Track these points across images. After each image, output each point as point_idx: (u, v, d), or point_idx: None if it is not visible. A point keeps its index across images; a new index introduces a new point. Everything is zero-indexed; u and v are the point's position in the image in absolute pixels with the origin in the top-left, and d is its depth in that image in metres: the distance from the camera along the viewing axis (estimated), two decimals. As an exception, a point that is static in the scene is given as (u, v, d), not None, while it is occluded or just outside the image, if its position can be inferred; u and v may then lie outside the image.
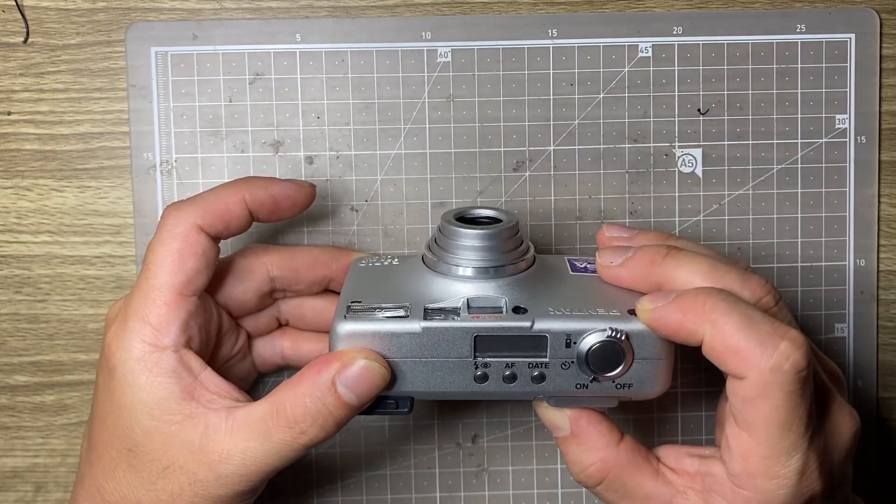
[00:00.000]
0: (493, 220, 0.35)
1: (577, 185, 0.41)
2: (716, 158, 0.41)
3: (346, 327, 0.31)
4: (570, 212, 0.42)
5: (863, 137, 0.42)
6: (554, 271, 0.35)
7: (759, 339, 0.29)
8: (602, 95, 0.41)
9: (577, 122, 0.41)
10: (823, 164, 0.42)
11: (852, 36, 0.41)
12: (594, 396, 0.32)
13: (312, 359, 0.32)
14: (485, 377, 0.32)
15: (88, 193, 0.41)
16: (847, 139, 0.42)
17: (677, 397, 0.42)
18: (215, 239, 0.34)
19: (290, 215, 0.37)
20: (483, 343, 0.31)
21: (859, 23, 0.41)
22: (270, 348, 0.39)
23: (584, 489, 0.42)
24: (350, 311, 0.32)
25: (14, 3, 0.40)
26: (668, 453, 0.34)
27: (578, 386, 0.32)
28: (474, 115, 0.41)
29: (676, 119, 0.41)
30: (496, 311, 0.32)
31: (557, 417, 0.33)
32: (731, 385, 0.30)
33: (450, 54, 0.41)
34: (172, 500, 0.32)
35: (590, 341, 0.31)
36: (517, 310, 0.32)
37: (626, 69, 0.41)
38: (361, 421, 0.42)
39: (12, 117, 0.41)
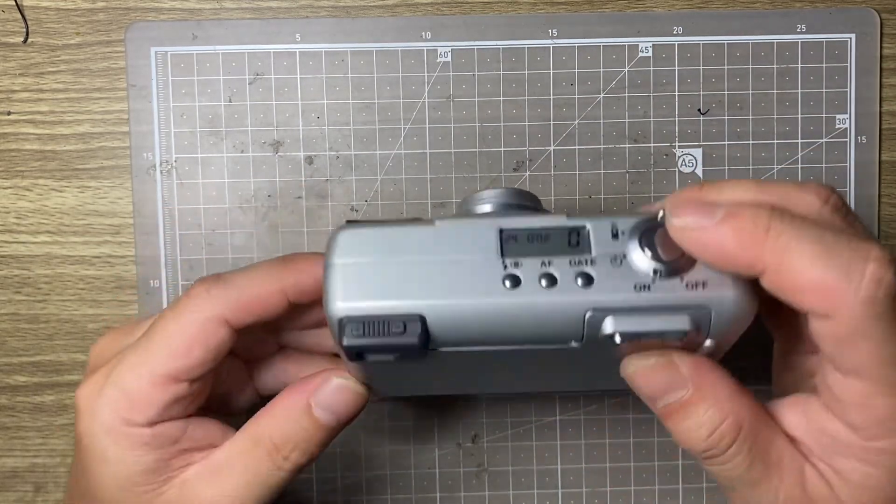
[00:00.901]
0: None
1: (577, 185, 0.41)
2: (716, 158, 0.41)
3: (347, 232, 0.26)
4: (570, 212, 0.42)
5: (863, 137, 0.42)
6: None
7: (842, 268, 0.23)
8: (602, 95, 0.41)
9: (577, 121, 0.41)
10: (824, 164, 0.42)
11: (853, 36, 0.41)
12: (663, 309, 0.25)
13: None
14: (516, 281, 0.25)
15: (88, 193, 0.41)
16: (847, 139, 0.42)
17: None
18: (243, 330, 0.30)
19: None
20: (511, 241, 0.26)
21: (860, 23, 0.41)
22: (272, 376, 0.35)
23: (584, 490, 0.42)
24: (349, 222, 0.27)
25: (14, 3, 0.40)
26: (781, 413, 0.27)
27: (638, 287, 0.25)
28: (474, 115, 0.41)
29: (677, 119, 0.41)
30: (525, 209, 0.27)
31: (674, 374, 0.26)
32: (814, 326, 0.24)
33: (450, 54, 0.41)
34: None
35: (642, 226, 0.25)
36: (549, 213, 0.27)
37: (627, 69, 0.41)
38: (361, 421, 0.41)
39: (12, 117, 0.40)
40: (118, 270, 0.41)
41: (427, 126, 0.41)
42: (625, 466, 0.42)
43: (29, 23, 0.40)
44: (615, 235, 0.26)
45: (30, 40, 0.40)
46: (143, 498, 0.30)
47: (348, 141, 0.41)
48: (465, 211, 0.29)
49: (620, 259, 0.25)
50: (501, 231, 0.26)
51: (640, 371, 0.27)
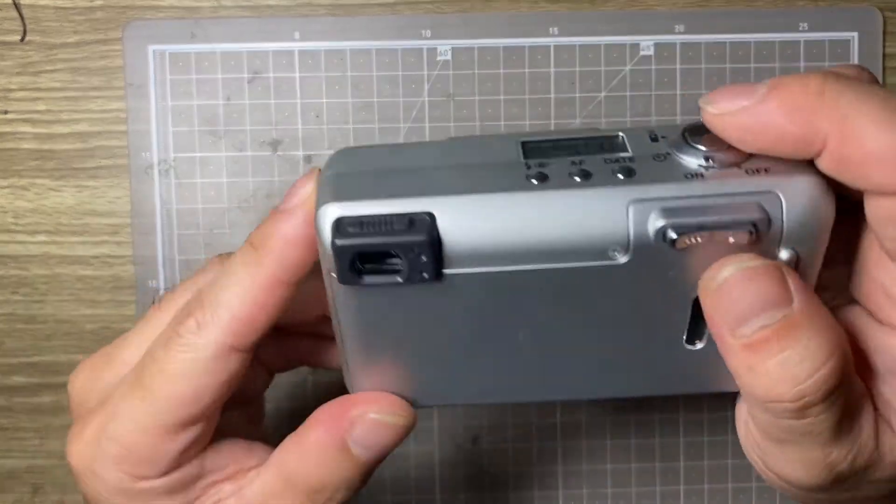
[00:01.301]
0: None
1: (577, 185, 0.41)
2: (718, 158, 0.41)
3: (343, 150, 0.23)
4: (570, 211, 0.41)
5: (866, 137, 0.41)
6: None
7: None
8: (603, 94, 0.41)
9: (578, 120, 0.41)
10: (826, 164, 0.41)
11: (855, 34, 0.41)
12: (721, 196, 0.21)
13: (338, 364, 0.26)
14: (544, 177, 0.21)
15: (86, 193, 0.41)
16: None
17: (679, 398, 0.42)
18: (252, 348, 0.26)
19: None
20: (534, 149, 0.22)
21: (862, 21, 0.41)
22: (284, 353, 0.32)
23: (584, 490, 0.42)
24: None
25: (11, 2, 0.40)
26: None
27: (689, 175, 0.21)
28: (474, 115, 0.41)
29: (678, 118, 0.41)
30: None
31: (779, 283, 0.21)
32: (878, 207, 0.20)
33: (450, 53, 0.41)
34: None
35: (684, 126, 0.22)
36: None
37: (628, 68, 0.41)
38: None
39: (9, 116, 0.40)
40: (116, 270, 0.41)
41: (427, 125, 0.41)
42: (625, 468, 0.42)
43: (26, 21, 0.40)
44: (654, 139, 0.22)
45: (27, 39, 0.40)
46: None
47: (347, 140, 0.41)
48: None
49: (664, 156, 0.22)
50: (524, 143, 0.22)
51: (738, 276, 0.21)
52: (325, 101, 0.41)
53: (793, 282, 0.21)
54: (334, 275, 0.22)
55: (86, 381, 0.29)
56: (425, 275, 0.21)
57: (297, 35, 0.40)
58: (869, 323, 0.23)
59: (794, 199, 0.21)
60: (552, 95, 0.41)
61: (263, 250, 0.24)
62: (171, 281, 0.40)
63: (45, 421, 0.41)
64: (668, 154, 0.22)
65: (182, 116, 0.40)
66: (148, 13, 0.40)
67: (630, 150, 0.22)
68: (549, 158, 0.21)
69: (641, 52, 0.41)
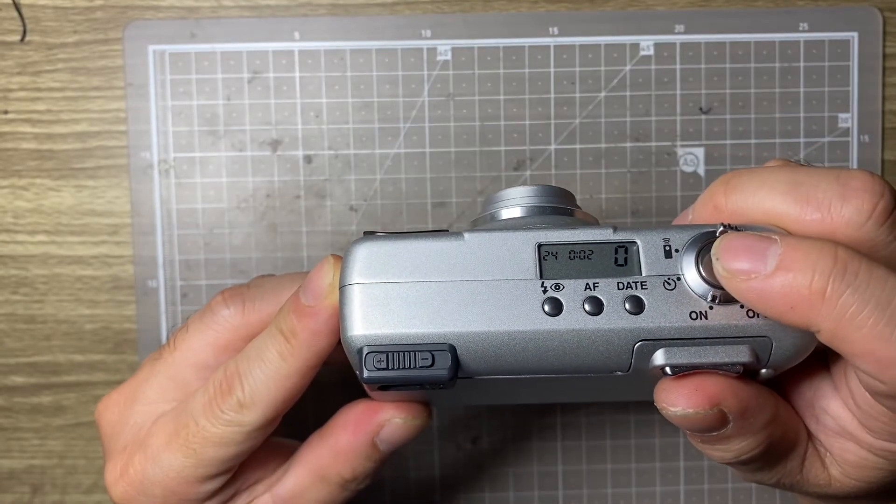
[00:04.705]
0: None
1: (578, 185, 0.41)
2: (718, 157, 0.41)
3: (366, 246, 0.23)
4: (570, 211, 0.41)
5: (866, 136, 0.41)
6: None
7: None
8: (603, 94, 0.41)
9: (578, 120, 0.41)
10: (826, 164, 0.41)
11: (855, 34, 0.41)
12: (720, 340, 0.23)
13: None
14: (558, 306, 0.23)
15: (85, 193, 0.41)
16: (850, 138, 0.41)
17: (679, 398, 0.42)
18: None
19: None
20: (551, 259, 0.23)
21: (862, 21, 0.41)
22: None
23: (585, 490, 0.42)
24: (368, 235, 0.24)
25: (11, 2, 0.40)
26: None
27: (694, 315, 0.23)
28: (474, 114, 0.41)
29: (678, 118, 0.41)
30: (566, 223, 0.24)
31: (719, 420, 0.24)
32: (865, 378, 0.23)
33: (450, 52, 0.41)
34: None
35: (698, 242, 0.23)
36: (592, 225, 0.24)
37: (628, 67, 0.41)
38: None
39: (9, 116, 0.40)
40: (116, 270, 0.41)
41: (427, 125, 0.41)
42: (626, 468, 0.42)
43: (26, 21, 0.40)
44: (668, 254, 0.23)
45: (27, 39, 0.40)
46: None
47: (347, 140, 0.41)
48: (490, 215, 0.26)
49: (674, 282, 0.23)
50: (539, 246, 0.23)
51: (680, 420, 0.24)
52: (324, 100, 0.40)
53: (735, 398, 0.23)
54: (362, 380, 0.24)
55: (115, 417, 0.31)
56: (442, 386, 0.23)
57: (297, 35, 0.40)
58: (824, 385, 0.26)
59: (784, 343, 0.23)
60: (552, 95, 0.41)
61: (295, 342, 0.27)
62: (170, 281, 0.40)
63: (44, 421, 0.41)
64: (678, 279, 0.23)
65: (182, 116, 0.40)
66: (148, 13, 0.40)
67: (643, 268, 0.23)
68: (563, 278, 0.23)
69: (641, 52, 0.41)
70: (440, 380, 0.23)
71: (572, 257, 0.23)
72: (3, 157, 0.40)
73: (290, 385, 0.28)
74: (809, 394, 0.26)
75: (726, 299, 0.23)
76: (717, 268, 0.22)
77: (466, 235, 0.23)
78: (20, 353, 0.41)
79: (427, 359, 0.22)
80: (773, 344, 0.23)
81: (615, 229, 0.23)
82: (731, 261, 0.22)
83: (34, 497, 0.42)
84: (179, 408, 0.30)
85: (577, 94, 0.41)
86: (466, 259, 0.23)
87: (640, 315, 0.23)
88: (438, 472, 0.42)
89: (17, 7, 0.40)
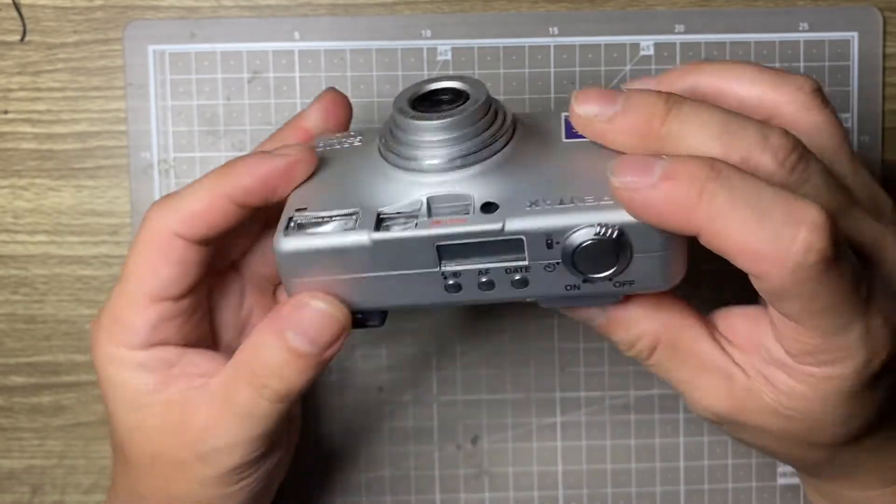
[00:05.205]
0: (456, 96, 0.29)
1: (577, 185, 0.41)
2: (718, 158, 0.41)
3: (286, 245, 0.27)
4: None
5: (866, 136, 0.41)
6: (542, 140, 0.29)
7: (773, 234, 0.24)
8: (603, 94, 0.41)
9: (577, 121, 0.41)
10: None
11: (855, 34, 0.41)
12: (590, 296, 0.28)
13: None
14: (457, 287, 0.27)
15: (85, 193, 0.41)
16: (850, 138, 0.41)
17: (679, 398, 0.42)
18: (202, 242, 0.31)
19: (299, 183, 0.30)
20: (448, 251, 0.27)
21: (862, 21, 0.41)
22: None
23: (585, 490, 0.42)
24: (291, 224, 0.27)
25: (11, 2, 0.40)
26: (720, 318, 0.29)
27: (569, 287, 0.27)
28: (474, 114, 0.41)
29: (678, 118, 0.41)
30: (461, 211, 0.27)
31: (585, 312, 0.29)
32: (752, 279, 0.25)
33: (450, 52, 0.41)
34: (167, 489, 0.31)
35: (575, 240, 0.26)
36: (487, 207, 0.27)
37: (628, 67, 0.41)
38: (361, 421, 0.41)
39: (9, 116, 0.40)
40: (116, 271, 0.41)
41: (427, 125, 0.41)
42: (626, 468, 0.42)
43: (26, 21, 0.40)
44: (550, 245, 0.26)
45: (27, 39, 0.40)
46: (149, 422, 0.31)
47: (347, 140, 0.41)
48: (398, 144, 0.28)
49: (553, 266, 0.26)
50: (438, 247, 0.26)
51: (563, 311, 0.30)
52: (324, 100, 0.40)
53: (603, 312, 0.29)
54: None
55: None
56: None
57: (297, 35, 0.40)
58: (760, 312, 0.28)
59: (650, 286, 0.27)
60: (552, 95, 0.41)
61: (229, 167, 0.30)
62: (170, 281, 0.40)
63: (44, 421, 0.41)
64: (557, 264, 0.26)
65: (182, 116, 0.40)
66: (148, 13, 0.40)
67: (527, 256, 0.26)
68: (460, 265, 0.27)
69: (641, 52, 0.41)
70: (375, 327, 0.29)
71: (466, 247, 0.26)
72: (3, 157, 0.40)
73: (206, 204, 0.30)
74: (748, 330, 0.29)
75: (596, 280, 0.27)
76: (613, 182, 0.25)
77: (371, 239, 0.26)
78: (20, 353, 0.41)
79: (361, 317, 0.29)
80: (640, 287, 0.27)
81: (503, 226, 0.26)
82: (623, 175, 0.25)
83: (34, 497, 0.42)
84: None
85: (577, 94, 0.41)
86: (376, 259, 0.27)
87: (525, 289, 0.27)
88: (438, 472, 0.42)
89: (17, 7, 0.40)
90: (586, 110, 0.27)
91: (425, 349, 0.41)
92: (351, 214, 0.27)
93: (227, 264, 0.34)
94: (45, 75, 0.40)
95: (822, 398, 0.27)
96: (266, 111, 0.40)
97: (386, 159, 0.28)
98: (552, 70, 0.41)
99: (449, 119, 0.27)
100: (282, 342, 0.29)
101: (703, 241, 0.25)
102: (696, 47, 0.41)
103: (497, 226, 0.26)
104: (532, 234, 0.26)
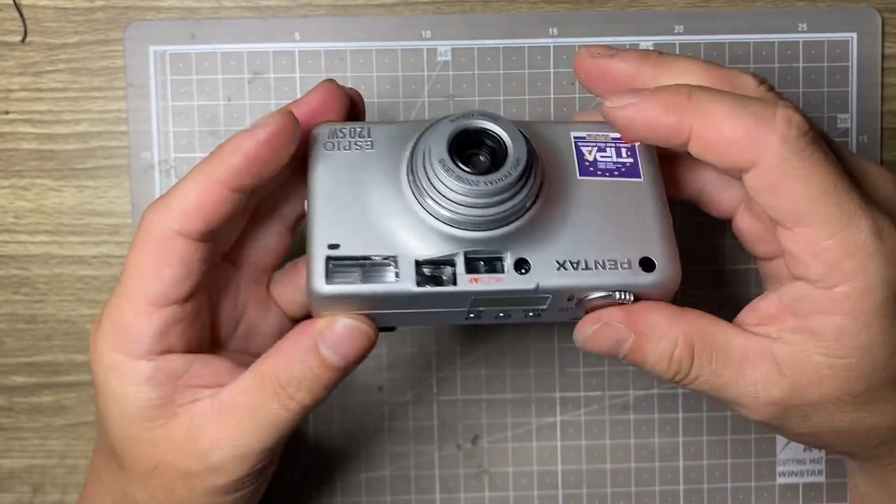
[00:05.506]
0: (493, 141, 0.29)
1: (577, 185, 0.41)
2: (717, 158, 0.41)
3: (328, 290, 0.28)
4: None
5: (865, 137, 0.41)
6: (560, 183, 0.30)
7: (756, 116, 0.27)
8: (603, 94, 0.41)
9: (577, 121, 0.41)
10: (825, 164, 0.41)
11: (854, 35, 0.41)
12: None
13: None
14: (477, 317, 0.30)
15: (86, 193, 0.41)
16: (849, 139, 0.41)
17: (678, 398, 0.42)
18: (202, 237, 0.30)
19: (285, 154, 0.30)
20: (480, 301, 0.29)
21: (861, 22, 0.41)
22: (293, 288, 0.35)
23: (584, 490, 0.42)
24: (331, 265, 0.28)
25: (12, 3, 0.40)
26: (741, 316, 0.30)
27: (574, 319, 0.31)
28: (474, 115, 0.41)
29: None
30: (496, 269, 0.29)
31: (612, 330, 0.29)
32: (749, 184, 0.27)
33: (450, 53, 0.41)
34: (169, 496, 0.31)
35: (595, 296, 0.29)
36: (519, 265, 0.29)
37: (627, 68, 0.41)
38: (361, 421, 0.41)
39: (10, 116, 0.40)
40: (116, 271, 0.41)
41: (427, 125, 0.41)
42: (625, 468, 0.42)
43: (27, 22, 0.40)
44: (570, 299, 0.29)
45: (28, 39, 0.40)
46: (151, 434, 0.30)
47: (348, 140, 0.41)
48: (430, 187, 0.29)
49: (567, 309, 0.30)
50: (473, 299, 0.29)
51: (587, 341, 0.30)
52: (325, 101, 0.41)
53: (622, 319, 0.29)
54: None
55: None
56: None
57: (297, 35, 0.40)
58: (779, 281, 0.30)
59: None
60: (552, 96, 0.41)
61: (216, 152, 0.30)
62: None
63: (45, 421, 0.41)
64: (571, 309, 0.30)
65: (182, 117, 0.40)
66: (148, 14, 0.40)
67: (548, 305, 0.29)
68: (485, 307, 0.29)
69: (641, 53, 0.41)
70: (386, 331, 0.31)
71: (497, 300, 0.29)
72: (5, 157, 0.40)
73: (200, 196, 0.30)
74: (767, 300, 0.30)
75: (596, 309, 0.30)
76: (606, 105, 0.28)
77: (415, 291, 0.28)
78: (21, 353, 0.41)
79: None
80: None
81: (537, 287, 0.28)
82: (620, 98, 0.28)
83: (35, 497, 0.42)
84: None
85: (577, 95, 0.41)
86: (414, 302, 0.29)
87: (536, 319, 0.31)
88: (438, 471, 0.42)
89: (18, 8, 0.40)
90: (616, 102, 0.29)
91: (425, 349, 0.41)
92: (388, 259, 0.28)
93: (218, 258, 0.33)
94: (46, 76, 0.40)
95: (865, 325, 0.27)
96: (266, 111, 0.40)
97: (419, 201, 0.29)
98: (552, 70, 0.41)
99: (494, 186, 0.28)
100: (315, 357, 0.29)
101: (695, 144, 0.27)
102: (695, 47, 0.41)
103: (531, 286, 0.29)
104: (559, 293, 0.29)
